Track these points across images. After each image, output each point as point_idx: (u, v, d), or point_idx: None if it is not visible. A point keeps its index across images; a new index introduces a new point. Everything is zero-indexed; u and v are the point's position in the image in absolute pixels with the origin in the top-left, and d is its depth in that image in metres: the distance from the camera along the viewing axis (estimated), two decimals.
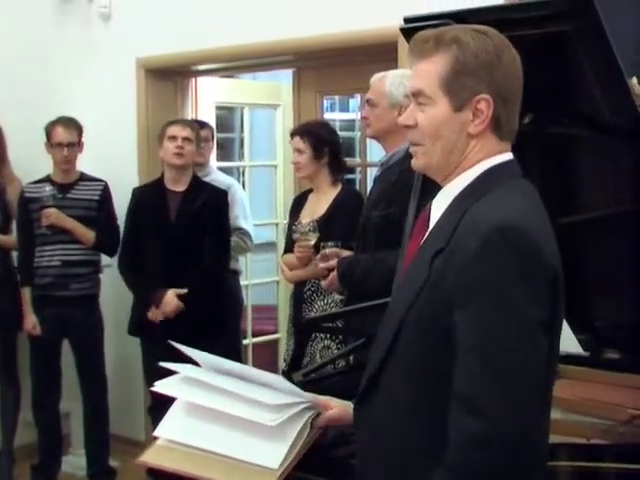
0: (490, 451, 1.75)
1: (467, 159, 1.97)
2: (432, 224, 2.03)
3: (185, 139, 5.10)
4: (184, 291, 5.03)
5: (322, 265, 4.11)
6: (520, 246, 1.78)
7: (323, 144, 4.79)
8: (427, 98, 1.96)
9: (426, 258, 1.93)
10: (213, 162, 6.24)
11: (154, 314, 5.08)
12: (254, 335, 6.95)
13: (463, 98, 1.92)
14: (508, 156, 1.99)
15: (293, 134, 4.88)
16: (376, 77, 3.96)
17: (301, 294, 4.71)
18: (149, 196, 5.28)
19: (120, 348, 6.02)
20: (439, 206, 2.02)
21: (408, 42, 2.54)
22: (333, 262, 4.02)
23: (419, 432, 1.91)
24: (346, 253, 4.07)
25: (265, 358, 6.98)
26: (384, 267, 3.61)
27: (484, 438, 1.75)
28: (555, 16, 2.23)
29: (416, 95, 1.99)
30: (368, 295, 3.49)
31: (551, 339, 1.85)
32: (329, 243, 4.18)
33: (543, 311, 1.80)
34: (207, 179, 5.55)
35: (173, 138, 5.10)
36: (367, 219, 3.92)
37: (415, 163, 2.06)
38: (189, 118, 6.18)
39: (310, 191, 5.00)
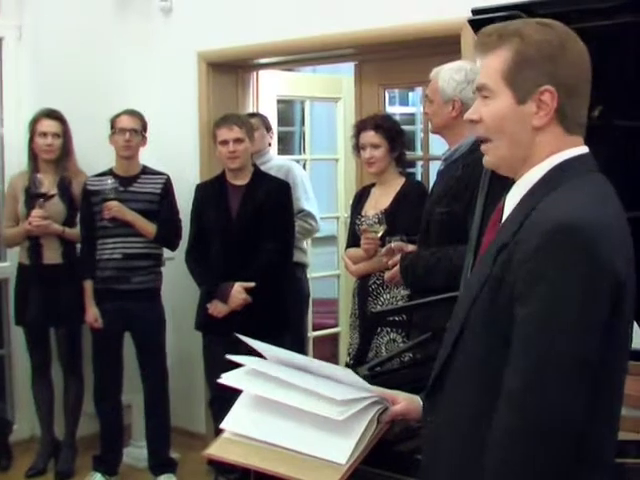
0: (527, 445, 1.75)
1: (536, 153, 1.95)
2: (504, 219, 2.02)
3: (236, 141, 5.10)
4: (252, 285, 5.04)
5: (386, 260, 4.10)
6: (576, 244, 1.77)
7: (397, 137, 4.77)
8: (490, 92, 1.98)
9: (492, 253, 1.94)
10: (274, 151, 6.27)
11: (219, 308, 5.10)
12: (314, 329, 6.96)
13: (526, 90, 1.92)
14: (581, 150, 1.96)
15: (364, 128, 4.78)
16: (433, 72, 3.93)
17: (366, 287, 4.68)
18: (211, 192, 5.30)
19: (181, 341, 6.06)
20: (512, 201, 2.01)
21: (476, 34, 2.52)
22: (397, 257, 4.00)
23: (481, 432, 1.88)
24: (411, 247, 4.05)
25: (325, 352, 6.98)
26: (446, 264, 3.61)
27: (521, 432, 1.76)
28: (626, 6, 2.20)
29: (480, 89, 2.01)
30: (429, 291, 3.48)
31: (614, 336, 1.82)
32: (394, 237, 4.15)
33: (597, 309, 1.77)
34: (266, 165, 5.58)
35: (224, 143, 5.12)
36: (430, 215, 3.88)
37: (486, 161, 2.06)
38: (245, 112, 6.17)
39: (372, 185, 4.97)
